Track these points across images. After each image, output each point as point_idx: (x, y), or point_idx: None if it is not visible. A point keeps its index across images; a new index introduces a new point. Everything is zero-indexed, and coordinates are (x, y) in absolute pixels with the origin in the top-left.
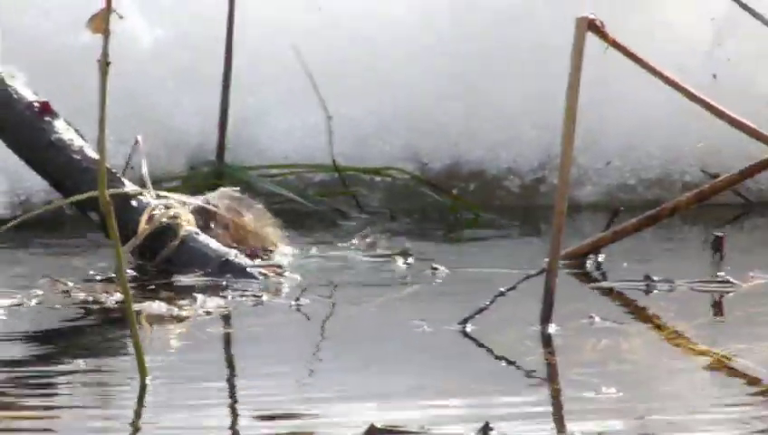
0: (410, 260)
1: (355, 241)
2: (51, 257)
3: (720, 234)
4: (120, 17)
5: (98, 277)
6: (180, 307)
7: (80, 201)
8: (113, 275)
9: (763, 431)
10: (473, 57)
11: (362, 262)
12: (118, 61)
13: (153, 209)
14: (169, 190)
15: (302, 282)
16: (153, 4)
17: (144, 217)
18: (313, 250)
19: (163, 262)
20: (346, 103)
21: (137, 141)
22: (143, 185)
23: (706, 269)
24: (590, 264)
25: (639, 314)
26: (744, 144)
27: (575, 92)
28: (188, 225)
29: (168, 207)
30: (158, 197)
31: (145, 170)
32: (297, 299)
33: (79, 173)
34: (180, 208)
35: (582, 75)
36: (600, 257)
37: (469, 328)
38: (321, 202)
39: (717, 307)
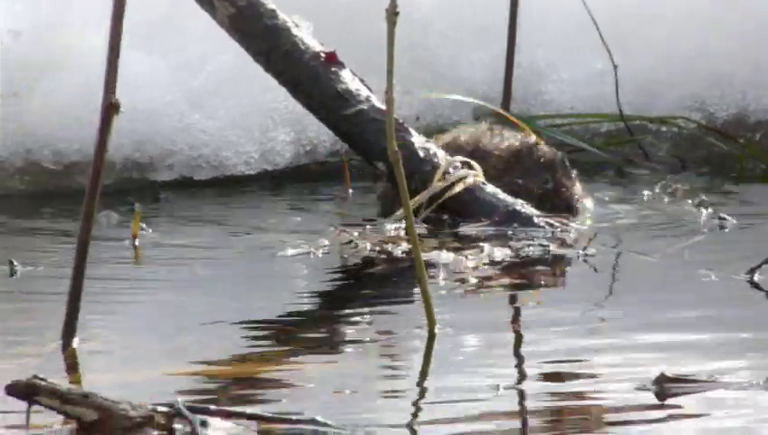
0: (703, 209)
1: (656, 189)
2: (337, 207)
3: None
4: None
5: (384, 227)
6: (468, 257)
7: (367, 151)
8: (398, 224)
9: None
10: (762, 8)
11: (649, 211)
12: (403, 12)
13: (447, 165)
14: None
15: (589, 232)
16: None
17: (438, 173)
18: (600, 199)
19: (451, 212)
20: (632, 53)
21: None
22: (429, 135)
23: None
24: None
25: None
26: None
27: None
28: (476, 175)
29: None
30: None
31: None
32: (584, 249)
33: (365, 123)
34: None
35: None
36: None
37: (757, 277)
38: (608, 151)
39: None
